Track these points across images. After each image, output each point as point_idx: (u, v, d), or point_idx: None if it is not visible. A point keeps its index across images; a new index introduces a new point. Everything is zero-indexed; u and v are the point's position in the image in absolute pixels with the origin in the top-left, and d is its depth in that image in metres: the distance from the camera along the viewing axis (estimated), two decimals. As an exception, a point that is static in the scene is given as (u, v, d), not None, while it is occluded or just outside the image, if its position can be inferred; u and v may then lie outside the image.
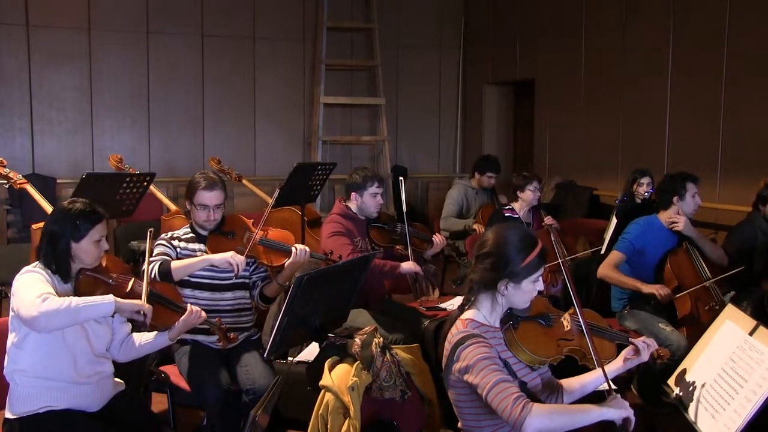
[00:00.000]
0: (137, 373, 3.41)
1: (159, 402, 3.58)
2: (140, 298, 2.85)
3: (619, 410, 2.32)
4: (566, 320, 3.02)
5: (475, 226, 5.95)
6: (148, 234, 3.14)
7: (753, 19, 6.06)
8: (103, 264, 2.96)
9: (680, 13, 6.74)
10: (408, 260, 4.34)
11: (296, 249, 3.62)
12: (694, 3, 6.60)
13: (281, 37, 9.00)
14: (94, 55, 8.10)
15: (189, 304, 3.09)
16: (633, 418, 2.33)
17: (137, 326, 3.07)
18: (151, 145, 8.47)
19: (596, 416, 2.29)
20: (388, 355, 2.82)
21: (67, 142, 8.10)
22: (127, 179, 4.65)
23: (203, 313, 3.09)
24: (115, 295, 2.74)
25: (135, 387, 3.33)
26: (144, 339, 3.08)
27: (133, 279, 2.97)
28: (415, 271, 4.29)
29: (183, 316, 3.03)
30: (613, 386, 2.47)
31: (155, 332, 3.07)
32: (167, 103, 8.48)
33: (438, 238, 4.57)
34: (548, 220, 5.42)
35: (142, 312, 2.77)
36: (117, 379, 3.07)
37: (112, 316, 2.85)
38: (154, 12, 8.30)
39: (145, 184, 4.77)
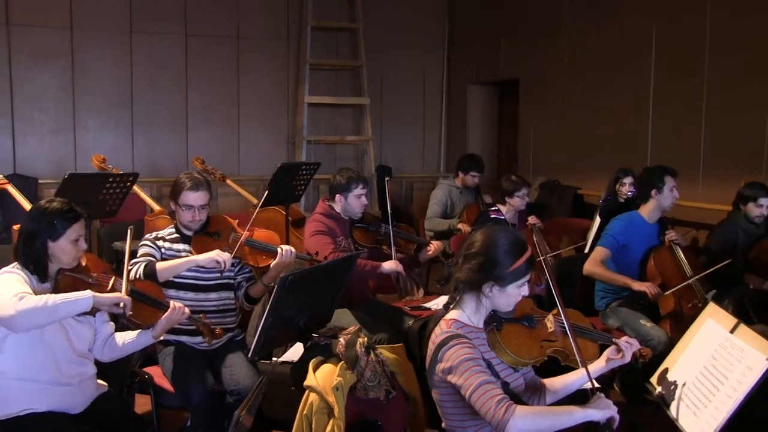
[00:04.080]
0: (120, 374, 3.38)
1: (142, 403, 3.56)
2: None
3: (602, 410, 2.32)
4: (550, 321, 3.04)
5: (460, 226, 5.96)
6: (129, 232, 3.12)
7: (734, 19, 6.11)
8: (83, 263, 2.93)
9: (662, 13, 6.79)
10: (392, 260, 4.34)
11: (282, 250, 3.62)
12: (675, 2, 6.64)
13: (265, 36, 8.97)
14: (77, 54, 8.03)
15: (172, 301, 3.08)
16: (617, 417, 2.34)
17: (126, 327, 3.06)
18: (135, 145, 8.42)
19: (580, 417, 2.29)
20: (372, 354, 2.82)
21: (49, 142, 8.03)
22: (111, 179, 4.62)
23: (186, 310, 3.08)
24: None
25: (118, 388, 3.31)
26: (127, 338, 3.06)
27: (113, 277, 2.95)
28: (396, 270, 4.29)
29: (166, 314, 3.02)
30: (597, 385, 2.48)
31: (138, 331, 3.06)
32: (151, 102, 8.43)
33: (435, 244, 4.55)
34: (532, 219, 5.43)
35: (121, 304, 2.75)
36: (100, 381, 3.05)
37: (93, 315, 2.84)
38: (138, 11, 8.24)
39: (129, 184, 4.74)
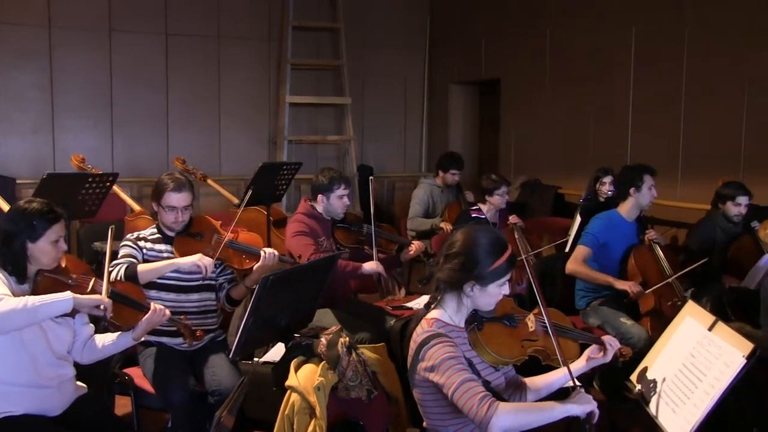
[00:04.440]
0: (100, 376, 3.36)
1: (122, 405, 3.54)
2: None
3: (582, 405, 2.34)
4: (531, 321, 3.05)
5: (442, 225, 5.96)
6: (109, 232, 3.10)
7: (712, 22, 6.18)
8: (62, 265, 2.91)
9: (641, 15, 6.84)
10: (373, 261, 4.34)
11: (265, 253, 3.61)
12: (655, 3, 6.70)
13: (246, 36, 8.94)
14: (55, 53, 7.95)
15: (153, 303, 3.06)
16: (597, 412, 2.36)
17: (106, 329, 3.04)
18: (115, 145, 8.36)
19: (561, 412, 2.31)
20: (354, 354, 2.82)
21: (27, 142, 7.95)
22: (90, 179, 4.59)
23: (167, 312, 3.06)
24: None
25: (98, 390, 3.28)
26: (107, 339, 3.04)
27: (93, 279, 2.93)
28: (377, 271, 4.29)
29: (147, 316, 2.99)
30: (578, 383, 2.50)
31: (118, 333, 3.03)
32: (131, 102, 8.36)
33: (416, 244, 4.55)
34: (513, 218, 5.46)
35: (102, 306, 2.73)
36: (79, 383, 3.02)
37: (73, 317, 2.81)
38: (117, 10, 8.18)
39: (108, 184, 4.72)
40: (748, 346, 2.25)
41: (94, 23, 8.10)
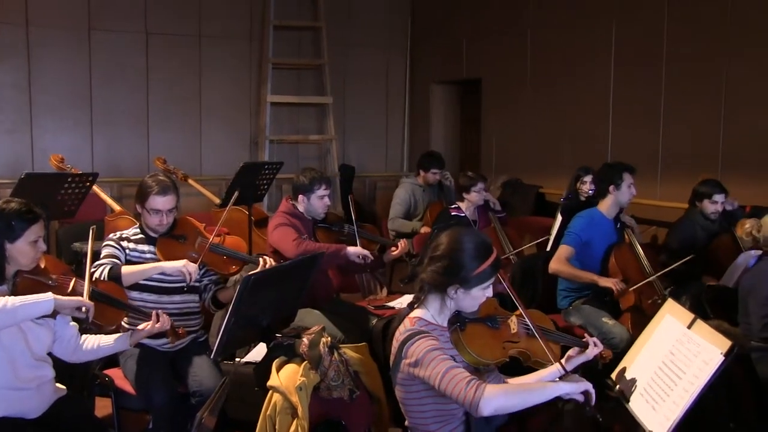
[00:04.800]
0: (80, 378, 3.33)
1: (103, 406, 3.51)
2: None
3: (575, 384, 2.35)
4: (513, 323, 3.07)
5: (423, 230, 5.96)
6: (91, 232, 3.08)
7: (690, 23, 6.24)
8: (42, 265, 2.88)
9: (621, 16, 6.89)
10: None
11: (265, 261, 3.60)
12: (635, 4, 6.75)
13: (227, 35, 8.89)
14: (33, 52, 7.86)
15: (154, 311, 3.07)
16: (592, 390, 2.36)
17: (87, 329, 3.02)
18: (95, 145, 8.29)
19: (552, 392, 2.32)
20: (336, 354, 2.82)
21: (4, 142, 7.85)
22: (69, 179, 4.55)
23: (169, 320, 3.07)
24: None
25: (78, 391, 3.26)
26: (103, 341, 3.03)
27: (74, 279, 2.90)
28: (362, 254, 4.26)
29: (149, 326, 3.02)
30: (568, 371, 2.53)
31: (117, 335, 3.04)
32: (111, 101, 8.29)
33: (402, 243, 4.55)
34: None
35: (83, 309, 2.71)
36: (58, 384, 3.00)
37: (53, 318, 2.79)
38: (96, 8, 8.10)
39: (88, 184, 4.68)
40: (726, 344, 2.27)
41: (73, 22, 8.02)
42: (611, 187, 4.48)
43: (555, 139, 7.77)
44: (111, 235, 3.58)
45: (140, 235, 3.59)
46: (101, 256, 3.44)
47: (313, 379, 2.71)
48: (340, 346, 2.96)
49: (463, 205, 5.46)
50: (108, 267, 3.32)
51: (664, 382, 2.44)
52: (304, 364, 2.75)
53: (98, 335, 3.05)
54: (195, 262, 3.45)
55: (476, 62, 8.98)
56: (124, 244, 3.53)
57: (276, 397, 2.69)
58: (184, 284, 3.50)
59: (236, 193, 4.51)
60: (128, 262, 3.47)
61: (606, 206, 4.54)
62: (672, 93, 6.43)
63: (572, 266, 4.39)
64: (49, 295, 2.63)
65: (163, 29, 8.48)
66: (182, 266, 3.39)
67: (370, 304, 4.58)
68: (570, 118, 7.57)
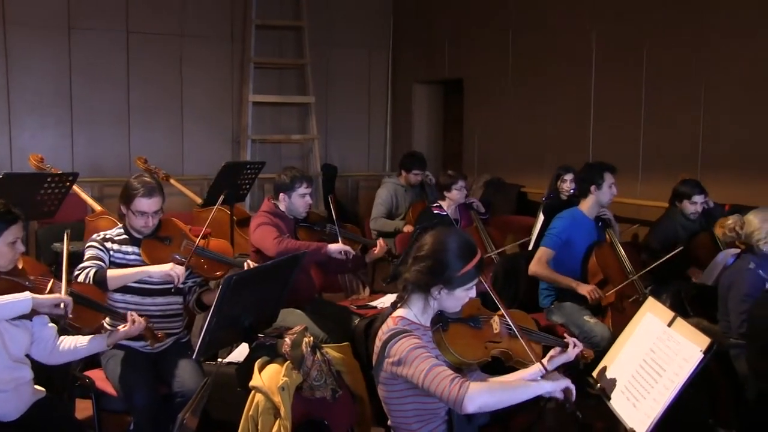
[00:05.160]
0: (60, 379, 3.30)
1: (83, 408, 3.48)
2: None
3: (556, 382, 2.37)
4: (495, 323, 3.08)
5: (406, 229, 5.96)
6: (65, 235, 3.05)
7: (670, 24, 6.29)
8: (20, 266, 2.85)
9: (602, 17, 6.94)
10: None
11: (248, 266, 3.58)
12: (615, 5, 6.80)
13: (209, 34, 8.86)
14: (12, 50, 7.79)
15: (129, 313, 3.05)
16: (573, 387, 2.38)
17: (65, 331, 2.99)
18: (75, 145, 8.22)
19: (535, 390, 2.33)
20: (318, 354, 2.82)
21: (-17, 142, 7.80)
22: (49, 179, 4.51)
23: (143, 321, 3.05)
24: None
25: (58, 393, 3.23)
26: (79, 342, 3.00)
27: (52, 280, 2.88)
28: (343, 249, 4.25)
29: (125, 327, 3.00)
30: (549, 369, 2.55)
31: (91, 336, 3.01)
32: (91, 101, 8.23)
33: (380, 243, 4.55)
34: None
35: (62, 305, 2.68)
36: (37, 386, 2.97)
37: (30, 319, 2.76)
38: (76, 7, 8.04)
39: (68, 184, 4.65)
40: (705, 341, 2.29)
41: (52, 20, 7.95)
42: (592, 187, 4.51)
43: (536, 138, 7.80)
44: (94, 236, 3.53)
45: (124, 236, 3.55)
46: (84, 257, 3.40)
47: (295, 379, 2.71)
48: (323, 345, 2.95)
49: (444, 204, 5.48)
50: (93, 270, 3.27)
51: (644, 380, 2.46)
52: (286, 364, 2.74)
53: (75, 337, 3.02)
54: (180, 265, 3.43)
55: (458, 62, 9.00)
56: (108, 245, 3.49)
57: (258, 397, 2.68)
58: (166, 286, 3.48)
59: (223, 195, 4.49)
60: (112, 264, 3.44)
61: (587, 206, 4.56)
62: (652, 93, 6.49)
63: (551, 270, 4.41)
64: (26, 294, 2.61)
65: (144, 28, 8.43)
66: (169, 270, 3.36)
67: (352, 304, 4.58)
68: (551, 118, 7.61)
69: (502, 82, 8.25)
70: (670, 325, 2.52)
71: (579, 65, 7.17)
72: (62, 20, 8.00)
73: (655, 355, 2.49)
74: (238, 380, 2.90)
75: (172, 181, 6.35)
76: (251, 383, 2.72)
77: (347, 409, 2.95)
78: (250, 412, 2.68)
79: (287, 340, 2.79)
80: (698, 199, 4.94)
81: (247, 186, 5.54)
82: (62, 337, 3.02)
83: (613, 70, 6.86)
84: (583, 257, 4.48)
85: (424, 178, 6.45)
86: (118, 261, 3.47)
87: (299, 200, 4.34)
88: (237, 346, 3.70)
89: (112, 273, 3.32)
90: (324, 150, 9.63)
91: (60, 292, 2.78)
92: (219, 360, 3.68)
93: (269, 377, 2.70)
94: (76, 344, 3.00)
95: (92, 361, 3.50)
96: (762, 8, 5.58)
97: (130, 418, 3.34)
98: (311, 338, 2.84)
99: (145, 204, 3.47)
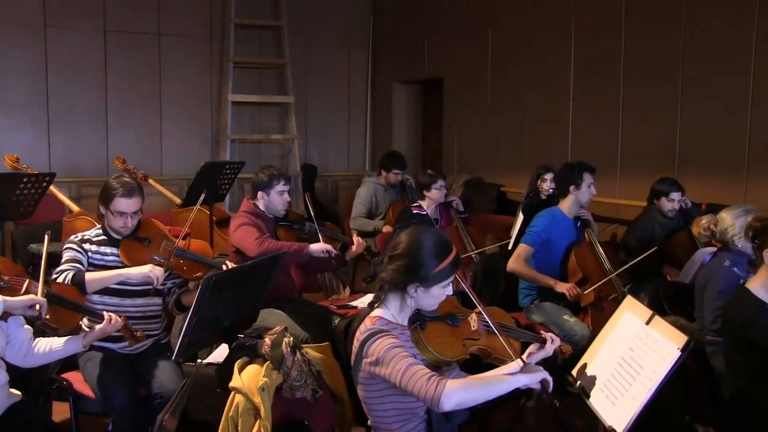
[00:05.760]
0: (37, 382, 3.27)
1: (61, 411, 3.45)
2: None
3: (532, 374, 2.37)
4: (473, 320, 3.09)
5: (385, 229, 5.97)
6: (46, 237, 3.02)
7: (647, 25, 6.34)
8: (-6, 267, 2.83)
9: (581, 16, 6.98)
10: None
11: (227, 267, 3.57)
12: (593, 6, 6.84)
13: (187, 33, 8.81)
14: (-15, 49, 7.72)
15: (106, 312, 3.02)
16: (550, 378, 2.39)
17: (42, 332, 2.96)
18: (52, 145, 8.14)
19: (512, 384, 2.33)
20: (298, 354, 2.81)
21: (-42, 142, 7.69)
22: (25, 179, 4.47)
23: (120, 320, 3.02)
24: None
25: (34, 397, 3.19)
26: (55, 344, 2.97)
27: (27, 280, 2.85)
28: (326, 249, 4.24)
29: (101, 325, 2.96)
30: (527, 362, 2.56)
31: (67, 338, 2.97)
32: (68, 100, 8.16)
33: (356, 240, 4.55)
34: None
35: (36, 306, 2.65)
36: (13, 390, 2.94)
37: (5, 320, 2.73)
38: (51, 5, 7.96)
39: (45, 184, 4.60)
40: (682, 339, 2.31)
41: (27, 18, 7.87)
42: (572, 187, 4.53)
43: (516, 138, 7.83)
44: (72, 237, 3.50)
45: (103, 237, 3.52)
46: (62, 260, 3.37)
47: (275, 380, 2.70)
48: (303, 346, 2.95)
49: (424, 204, 5.49)
50: (71, 273, 3.24)
51: (623, 378, 2.47)
52: (266, 364, 2.73)
53: (51, 338, 2.99)
54: (159, 266, 3.40)
55: (438, 61, 9.02)
56: (86, 246, 3.46)
57: (238, 398, 2.67)
58: (146, 287, 3.45)
59: (203, 194, 4.47)
60: (91, 265, 3.41)
61: (566, 205, 4.59)
62: (631, 93, 6.54)
63: (530, 267, 4.43)
64: None
65: (121, 27, 8.37)
66: (148, 271, 3.34)
67: (333, 304, 4.57)
68: (530, 117, 7.64)
69: (482, 82, 8.28)
70: (648, 323, 2.54)
71: (558, 64, 7.21)
72: (38, 18, 7.92)
73: (633, 353, 2.51)
74: (218, 381, 2.88)
75: (150, 181, 6.32)
76: (231, 384, 2.71)
77: (327, 409, 2.95)
78: (230, 413, 2.67)
79: (267, 340, 2.79)
80: (676, 196, 4.98)
81: (227, 186, 5.52)
82: (37, 339, 2.99)
83: (591, 70, 6.91)
84: (563, 257, 4.51)
85: (403, 179, 6.46)
86: (96, 262, 3.44)
87: (278, 198, 4.33)
88: (217, 347, 3.68)
89: (90, 276, 3.29)
90: (304, 150, 9.62)
91: (36, 292, 2.76)
92: (199, 361, 3.66)
93: (249, 378, 2.70)
94: (51, 346, 2.96)
95: (70, 363, 3.46)
96: (741, 9, 5.64)
97: (109, 420, 3.31)
98: (291, 338, 2.83)
99: (125, 204, 3.44)
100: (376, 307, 2.56)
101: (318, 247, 4.23)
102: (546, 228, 4.49)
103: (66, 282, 3.19)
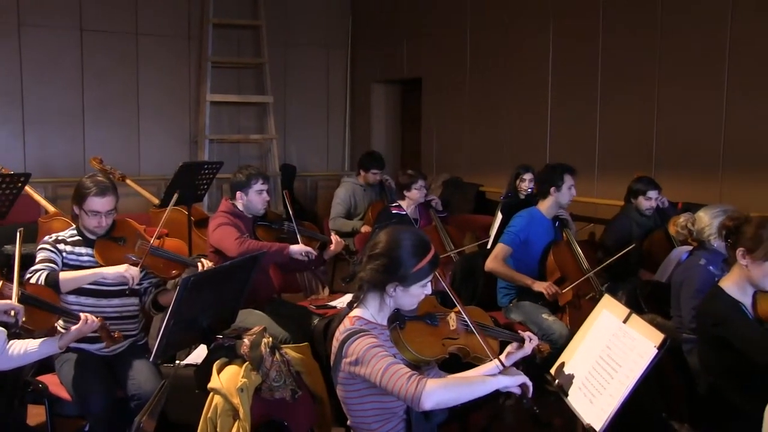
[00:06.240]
0: (11, 386, 3.23)
1: (36, 414, 3.41)
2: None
3: (513, 377, 2.39)
4: (452, 319, 3.10)
5: (363, 229, 5.96)
6: (18, 234, 2.99)
7: (624, 25, 6.39)
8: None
9: (558, 16, 7.02)
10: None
11: (203, 266, 3.54)
12: (570, 8, 6.89)
13: (165, 33, 8.75)
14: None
15: (83, 313, 2.98)
16: (530, 383, 2.41)
17: (18, 334, 2.92)
18: (27, 144, 8.06)
19: (492, 385, 2.35)
20: (277, 354, 2.80)
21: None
22: (-1, 180, 4.42)
23: (97, 320, 2.99)
24: None
25: (8, 400, 3.15)
26: (30, 346, 2.93)
27: (1, 282, 2.81)
28: (306, 251, 4.23)
29: (77, 326, 2.93)
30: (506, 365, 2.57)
31: (42, 340, 2.94)
32: (44, 99, 8.07)
33: (335, 239, 4.54)
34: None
35: (12, 312, 2.62)
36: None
37: None
38: (26, 3, 7.86)
39: (20, 185, 4.54)
40: (659, 337, 2.33)
41: (2, 17, 7.77)
42: (552, 189, 4.55)
43: (494, 137, 7.86)
44: (46, 238, 3.47)
45: (77, 237, 3.49)
46: (36, 260, 3.33)
47: (254, 380, 2.69)
48: (282, 346, 2.94)
49: (404, 204, 5.49)
50: (45, 273, 3.21)
51: (601, 376, 2.49)
52: (245, 365, 2.72)
53: (26, 340, 2.95)
54: (135, 265, 3.38)
55: (416, 61, 9.03)
56: (61, 246, 3.43)
57: (217, 399, 2.66)
58: (122, 287, 3.43)
59: (176, 195, 4.44)
60: (65, 266, 3.38)
61: (546, 206, 4.61)
62: (608, 93, 6.59)
63: (508, 266, 4.45)
64: None
65: (97, 26, 8.30)
66: (124, 271, 3.31)
67: (312, 304, 4.57)
68: (509, 117, 7.68)
69: (460, 82, 8.30)
70: (625, 321, 2.55)
71: (536, 64, 7.25)
72: (11, 17, 7.83)
73: (611, 352, 2.53)
74: (197, 382, 2.87)
75: (128, 181, 6.27)
76: (210, 385, 2.70)
77: (307, 410, 2.94)
78: (209, 414, 2.66)
79: (246, 341, 2.77)
80: (653, 194, 5.03)
81: (205, 186, 5.48)
82: (12, 342, 2.95)
83: (569, 70, 6.95)
84: (541, 256, 4.53)
85: (382, 179, 6.45)
86: (71, 263, 3.41)
87: (256, 197, 4.32)
88: (195, 348, 3.66)
89: (64, 275, 3.26)
90: (283, 150, 9.59)
91: (10, 294, 2.72)
92: (177, 362, 3.64)
93: (228, 379, 2.68)
94: (26, 348, 2.93)
95: (45, 365, 3.42)
96: (715, 12, 5.70)
97: (85, 423, 3.28)
98: (270, 339, 2.82)
99: (98, 203, 3.41)
100: (356, 307, 2.56)
101: (298, 248, 4.22)
102: (524, 228, 4.51)
103: (40, 282, 3.16)
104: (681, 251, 4.43)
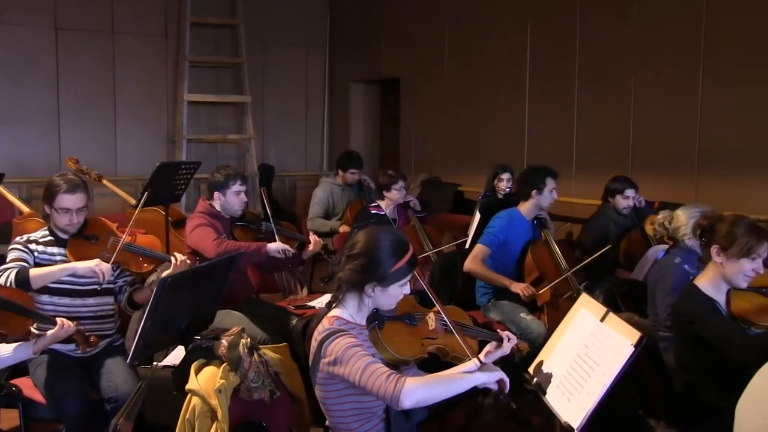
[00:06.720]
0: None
1: (10, 418, 3.37)
2: None
3: (491, 374, 2.40)
4: (431, 319, 3.10)
5: (341, 229, 5.95)
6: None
7: (602, 25, 6.44)
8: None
9: (537, 16, 7.06)
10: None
11: (176, 259, 3.51)
12: (548, 9, 6.92)
13: (142, 32, 8.68)
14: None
15: (59, 318, 2.94)
16: (507, 379, 2.42)
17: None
18: (1, 144, 7.96)
19: (471, 382, 2.36)
20: (255, 355, 2.79)
21: None
22: (-28, 180, 4.36)
23: (73, 325, 2.95)
24: None
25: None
26: (3, 351, 2.89)
27: None
28: (283, 248, 4.21)
29: (53, 330, 2.88)
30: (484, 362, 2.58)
31: (17, 344, 2.89)
32: (18, 98, 7.97)
33: (313, 239, 4.53)
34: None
35: None
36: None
37: None
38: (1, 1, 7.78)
39: (-7, 185, 4.50)
40: (635, 335, 2.35)
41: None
42: (534, 191, 4.56)
43: (473, 137, 7.89)
44: (17, 239, 3.43)
45: (49, 237, 3.45)
46: (7, 260, 3.28)
47: (232, 381, 2.67)
48: (260, 346, 2.93)
49: (383, 204, 5.48)
50: (14, 271, 3.16)
51: (579, 374, 2.51)
52: (223, 366, 2.71)
53: None
54: (108, 262, 3.35)
55: (395, 61, 9.04)
56: (32, 246, 3.39)
57: (195, 400, 2.64)
58: (97, 286, 3.40)
59: (147, 193, 4.40)
60: (38, 266, 3.33)
61: (526, 208, 4.62)
62: (585, 92, 6.64)
63: (487, 267, 4.46)
64: None
65: (73, 24, 8.22)
66: (95, 266, 3.27)
67: (290, 304, 4.55)
68: (487, 117, 7.71)
69: (439, 81, 8.32)
70: (602, 320, 2.57)
71: (514, 64, 7.29)
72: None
73: (588, 350, 2.54)
74: (175, 383, 2.85)
75: (105, 181, 6.21)
76: (187, 386, 2.68)
77: (286, 410, 2.93)
78: (187, 416, 2.64)
79: (224, 341, 2.76)
80: (630, 193, 5.07)
81: (183, 186, 5.44)
82: None
83: (546, 69, 7.00)
84: (519, 256, 4.55)
85: (361, 179, 6.45)
86: (43, 263, 3.36)
87: (234, 198, 4.30)
88: (173, 349, 3.64)
89: (35, 272, 3.21)
90: (261, 150, 9.55)
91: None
92: (154, 363, 3.61)
93: (206, 380, 2.67)
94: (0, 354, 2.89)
95: (19, 368, 3.38)
96: (690, 11, 5.77)
97: (61, 427, 3.24)
98: (248, 339, 2.81)
99: (69, 200, 3.37)
100: (334, 307, 2.56)
101: (275, 246, 4.20)
102: (504, 229, 4.52)
103: (10, 280, 3.11)
104: (657, 250, 4.46)
